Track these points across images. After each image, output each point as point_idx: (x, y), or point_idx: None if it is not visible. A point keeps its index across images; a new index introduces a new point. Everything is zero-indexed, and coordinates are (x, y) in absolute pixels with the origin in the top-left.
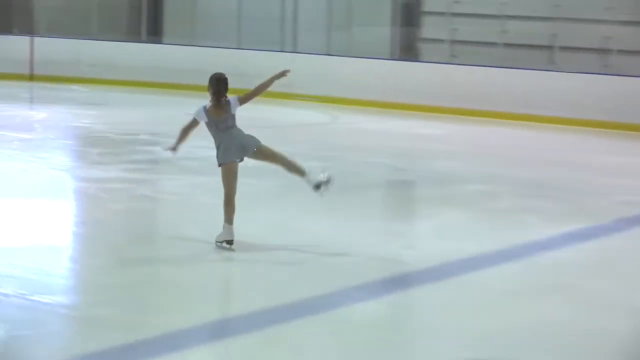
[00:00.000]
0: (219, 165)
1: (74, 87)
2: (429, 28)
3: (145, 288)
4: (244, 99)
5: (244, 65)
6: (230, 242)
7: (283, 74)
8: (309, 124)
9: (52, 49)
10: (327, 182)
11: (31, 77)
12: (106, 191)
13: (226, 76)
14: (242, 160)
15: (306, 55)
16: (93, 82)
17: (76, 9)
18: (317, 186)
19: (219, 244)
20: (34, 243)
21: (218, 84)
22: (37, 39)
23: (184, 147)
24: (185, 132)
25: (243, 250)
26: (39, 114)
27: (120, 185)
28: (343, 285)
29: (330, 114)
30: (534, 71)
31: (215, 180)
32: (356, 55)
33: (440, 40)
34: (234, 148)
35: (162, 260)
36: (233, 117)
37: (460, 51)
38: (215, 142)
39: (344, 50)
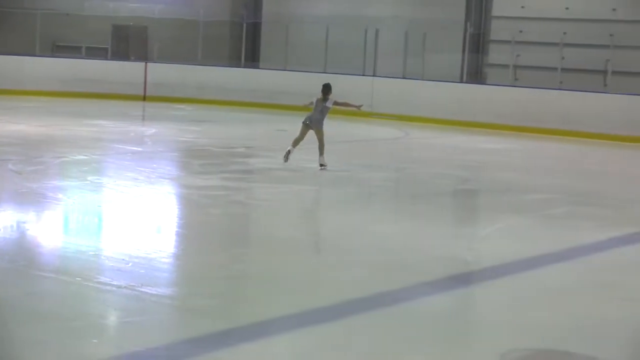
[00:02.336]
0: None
1: (180, 106)
2: (495, 54)
3: (237, 282)
4: (336, 103)
5: None
6: (285, 157)
7: (358, 108)
8: (386, 138)
9: (162, 73)
10: (324, 166)
11: (144, 98)
12: (207, 197)
13: (329, 84)
14: (308, 126)
15: (384, 78)
16: (197, 102)
17: (184, 39)
18: (321, 165)
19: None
20: (143, 242)
21: (323, 87)
22: (150, 65)
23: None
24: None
25: (324, 249)
26: (150, 129)
27: (219, 192)
28: (412, 281)
29: (404, 130)
30: (588, 93)
31: (302, 188)
32: (429, 79)
33: (505, 66)
34: (309, 116)
35: (254, 258)
36: (326, 108)
37: (522, 75)
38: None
39: (418, 74)
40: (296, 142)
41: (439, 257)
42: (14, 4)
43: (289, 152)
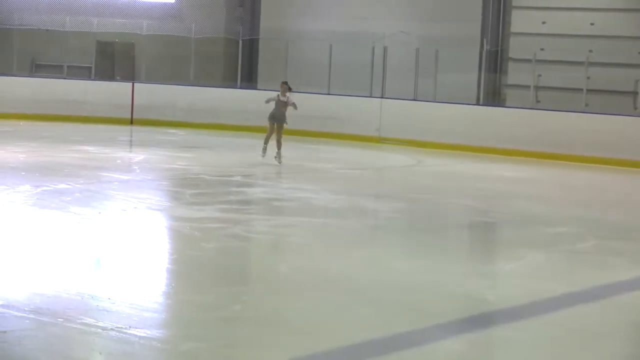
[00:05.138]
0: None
1: (171, 130)
2: (514, 74)
3: (234, 323)
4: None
5: (333, 109)
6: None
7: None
8: (396, 166)
9: (151, 94)
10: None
11: (131, 122)
12: (200, 230)
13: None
14: (273, 123)
15: (394, 100)
16: (189, 126)
17: (175, 57)
18: (276, 157)
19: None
20: (131, 279)
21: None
22: (137, 85)
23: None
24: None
25: (330, 287)
26: (138, 156)
27: (213, 225)
28: (426, 322)
29: (415, 157)
30: (617, 116)
31: (304, 220)
32: (442, 101)
33: (525, 86)
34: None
35: (251, 297)
36: (282, 103)
37: (544, 97)
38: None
39: (430, 95)
40: (266, 139)
41: (456, 296)
42: None
43: (264, 149)
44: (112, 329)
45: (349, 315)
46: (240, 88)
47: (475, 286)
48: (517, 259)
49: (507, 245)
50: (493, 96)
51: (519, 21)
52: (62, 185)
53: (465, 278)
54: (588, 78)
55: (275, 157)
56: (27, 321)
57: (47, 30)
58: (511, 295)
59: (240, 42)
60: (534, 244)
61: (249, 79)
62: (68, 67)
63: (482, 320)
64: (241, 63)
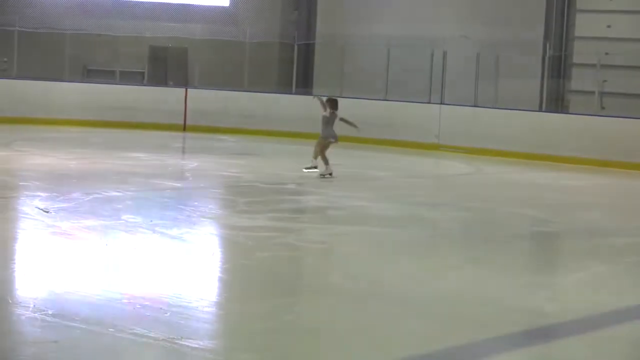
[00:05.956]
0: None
1: (224, 137)
2: (578, 80)
3: (287, 334)
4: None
5: (390, 116)
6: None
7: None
8: (454, 174)
9: (204, 100)
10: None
11: (184, 128)
12: (252, 239)
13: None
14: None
15: (453, 106)
16: (242, 133)
17: (228, 62)
18: (307, 168)
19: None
20: (183, 289)
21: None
22: (190, 91)
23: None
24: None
25: (385, 298)
26: (190, 163)
27: (266, 234)
28: (484, 336)
29: (475, 165)
30: None
31: (359, 229)
32: (503, 107)
33: (590, 92)
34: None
35: (305, 308)
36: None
37: (609, 103)
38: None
39: (491, 101)
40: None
41: (515, 308)
42: (40, 23)
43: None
44: (163, 340)
45: (403, 327)
46: (295, 94)
47: (535, 298)
48: (579, 270)
49: (568, 256)
50: (556, 102)
51: (583, 25)
52: (114, 193)
53: (525, 289)
54: None
55: (306, 168)
56: (78, 331)
57: (99, 35)
58: (573, 308)
59: (296, 46)
60: (597, 255)
61: (304, 85)
62: (120, 72)
63: (542, 334)
64: (296, 68)
